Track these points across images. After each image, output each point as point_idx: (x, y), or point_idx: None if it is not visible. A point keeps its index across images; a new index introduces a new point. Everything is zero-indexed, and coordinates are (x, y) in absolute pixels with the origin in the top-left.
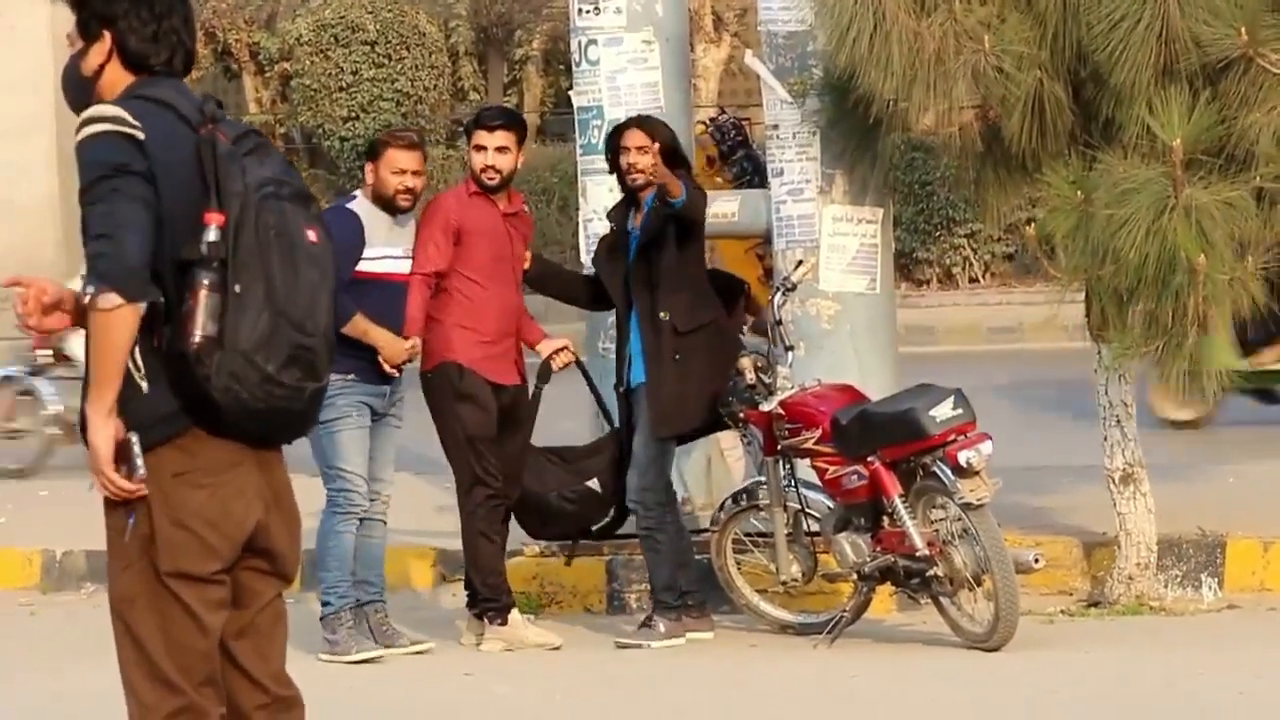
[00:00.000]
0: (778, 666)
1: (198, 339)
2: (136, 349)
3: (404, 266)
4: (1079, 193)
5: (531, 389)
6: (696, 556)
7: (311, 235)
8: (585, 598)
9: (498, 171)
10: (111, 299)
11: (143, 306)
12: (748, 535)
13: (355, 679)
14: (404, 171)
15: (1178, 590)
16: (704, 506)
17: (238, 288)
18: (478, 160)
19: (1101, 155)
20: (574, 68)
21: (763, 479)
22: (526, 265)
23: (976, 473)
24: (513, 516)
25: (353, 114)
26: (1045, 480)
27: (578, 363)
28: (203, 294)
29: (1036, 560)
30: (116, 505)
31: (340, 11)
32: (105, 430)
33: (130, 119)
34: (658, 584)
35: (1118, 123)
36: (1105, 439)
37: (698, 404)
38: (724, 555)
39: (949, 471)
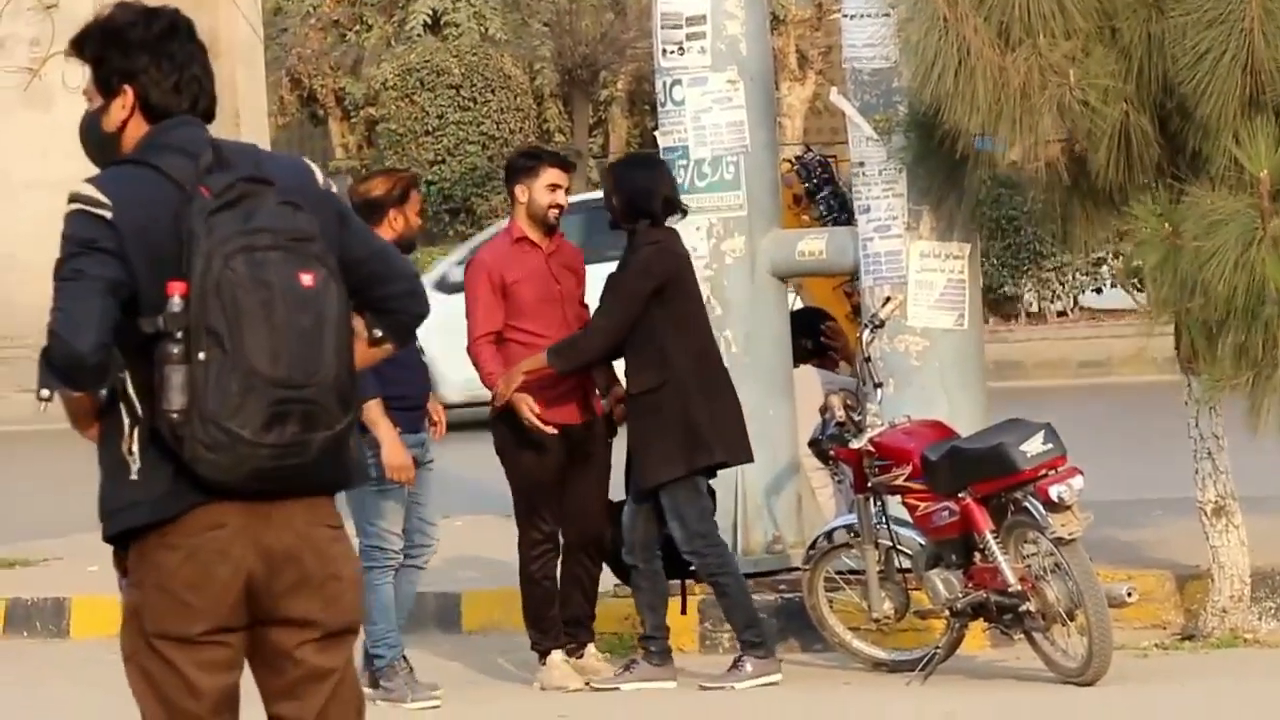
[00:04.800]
0: (872, 704)
1: (171, 414)
2: (135, 436)
3: None
4: (1167, 225)
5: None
6: (788, 595)
7: (306, 279)
8: (677, 638)
9: (560, 208)
10: (63, 390)
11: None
12: (839, 573)
13: None
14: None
15: (1272, 623)
16: (795, 545)
17: (202, 355)
18: (547, 197)
19: (1189, 187)
20: (659, 108)
21: (854, 516)
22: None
23: (1068, 507)
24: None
25: (439, 157)
26: (1137, 514)
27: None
28: (168, 367)
29: (1129, 594)
30: (116, 566)
31: (425, 56)
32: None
33: (102, 199)
34: (739, 624)
35: (1204, 155)
36: (1197, 471)
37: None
38: (816, 593)
39: (1040, 506)
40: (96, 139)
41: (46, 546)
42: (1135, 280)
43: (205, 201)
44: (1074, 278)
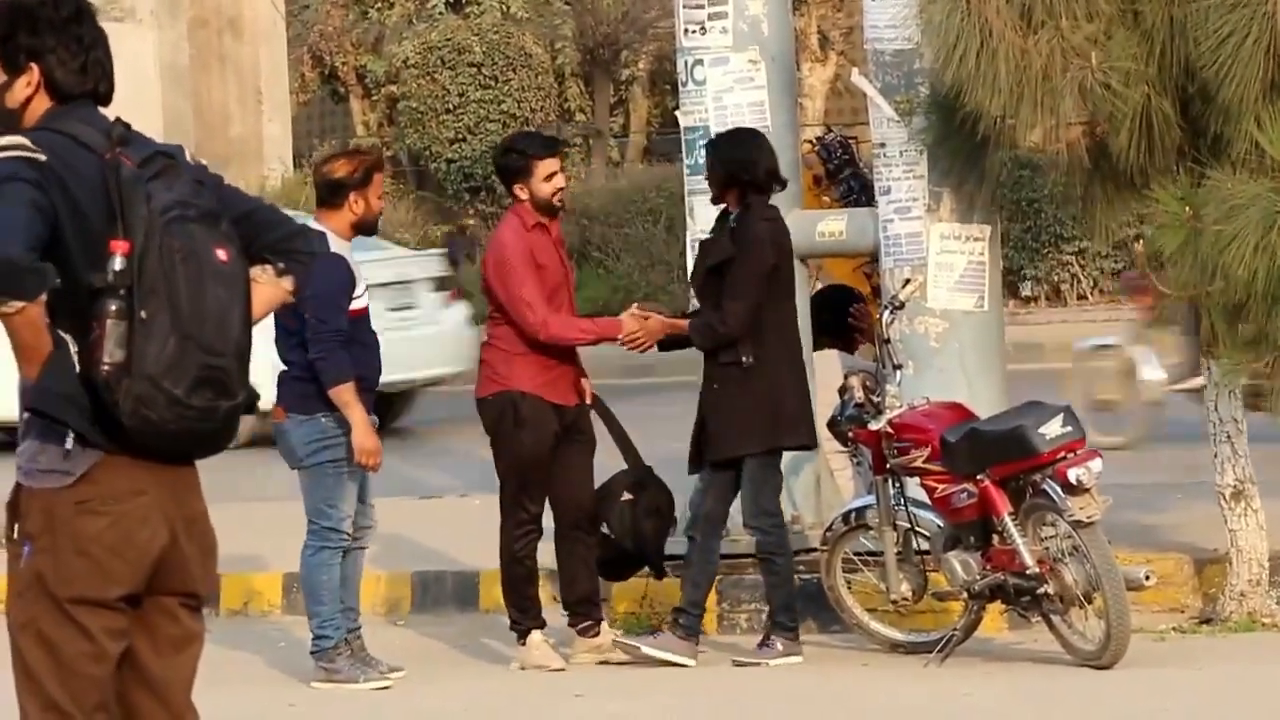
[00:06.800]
0: (889, 686)
1: (106, 366)
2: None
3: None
4: (1187, 209)
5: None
6: (806, 576)
7: (221, 254)
8: None
9: (563, 189)
10: (12, 305)
11: (44, 296)
12: (858, 554)
13: (467, 700)
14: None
15: None
16: (813, 526)
17: (144, 314)
18: (548, 188)
19: (1210, 171)
20: (680, 88)
21: (872, 498)
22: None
23: (1086, 490)
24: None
25: (459, 136)
26: (1155, 497)
27: (595, 399)
28: (109, 322)
29: (1147, 577)
30: (13, 533)
31: (446, 34)
32: None
33: (31, 146)
34: (777, 604)
35: (1226, 138)
36: (1215, 455)
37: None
38: (834, 574)
39: (1059, 489)
40: None
41: None
42: (1156, 264)
43: (137, 170)
44: (1094, 260)
